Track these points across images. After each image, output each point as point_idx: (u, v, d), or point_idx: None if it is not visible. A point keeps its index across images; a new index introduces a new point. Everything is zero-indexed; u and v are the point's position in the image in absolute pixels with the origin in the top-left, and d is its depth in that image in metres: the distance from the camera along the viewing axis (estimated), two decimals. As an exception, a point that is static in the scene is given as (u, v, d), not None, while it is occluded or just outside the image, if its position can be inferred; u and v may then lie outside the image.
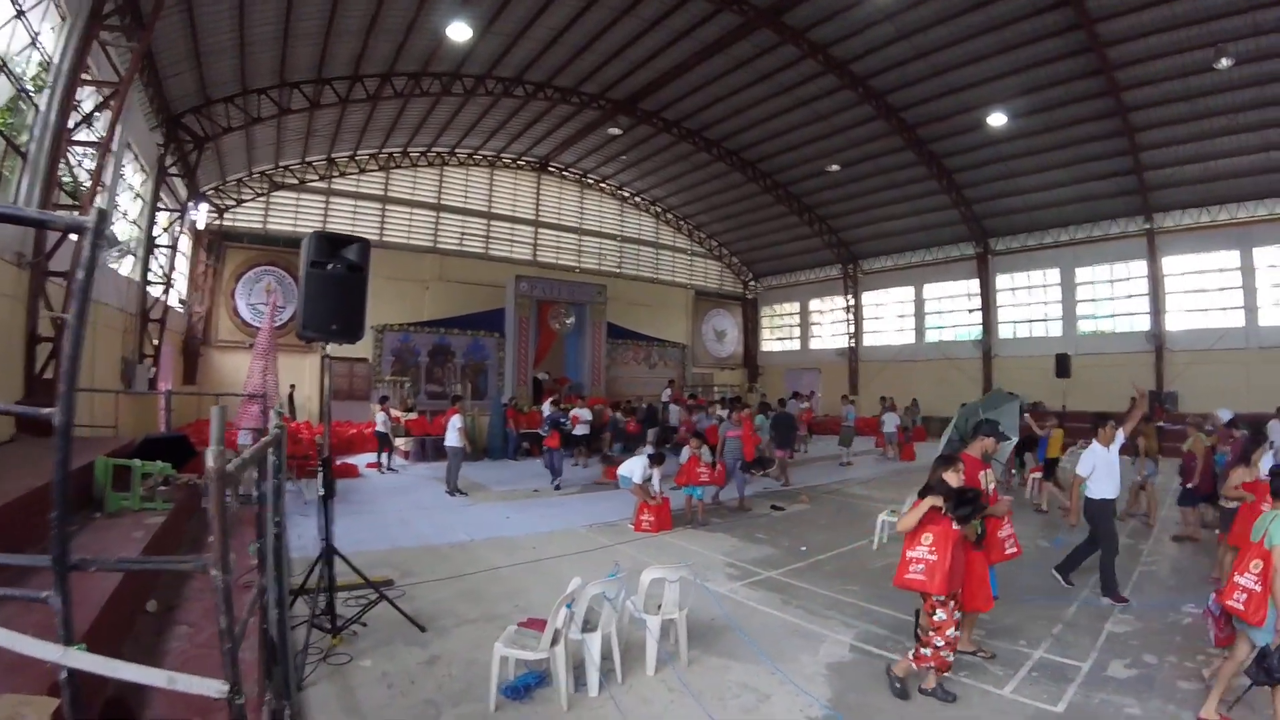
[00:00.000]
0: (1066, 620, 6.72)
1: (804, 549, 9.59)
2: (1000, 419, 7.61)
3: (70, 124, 10.96)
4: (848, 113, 24.09)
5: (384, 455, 17.06)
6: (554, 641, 4.73)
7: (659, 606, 5.64)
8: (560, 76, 23.15)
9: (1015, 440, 11.97)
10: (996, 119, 21.95)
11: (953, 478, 5.08)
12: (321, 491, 5.90)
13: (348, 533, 9.71)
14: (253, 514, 3.38)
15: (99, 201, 13.04)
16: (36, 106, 10.75)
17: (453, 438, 13.85)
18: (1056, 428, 13.31)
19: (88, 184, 11.70)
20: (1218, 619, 4.99)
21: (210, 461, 1.88)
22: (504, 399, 21.81)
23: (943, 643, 4.88)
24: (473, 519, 11.26)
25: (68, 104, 10.90)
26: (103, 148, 11.58)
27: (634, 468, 10.88)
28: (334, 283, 5.74)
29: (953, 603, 4.95)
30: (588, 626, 5.11)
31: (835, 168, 27.70)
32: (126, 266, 16.66)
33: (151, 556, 4.62)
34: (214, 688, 1.86)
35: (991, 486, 5.74)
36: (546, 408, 18.07)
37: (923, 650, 4.95)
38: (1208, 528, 10.20)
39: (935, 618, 4.91)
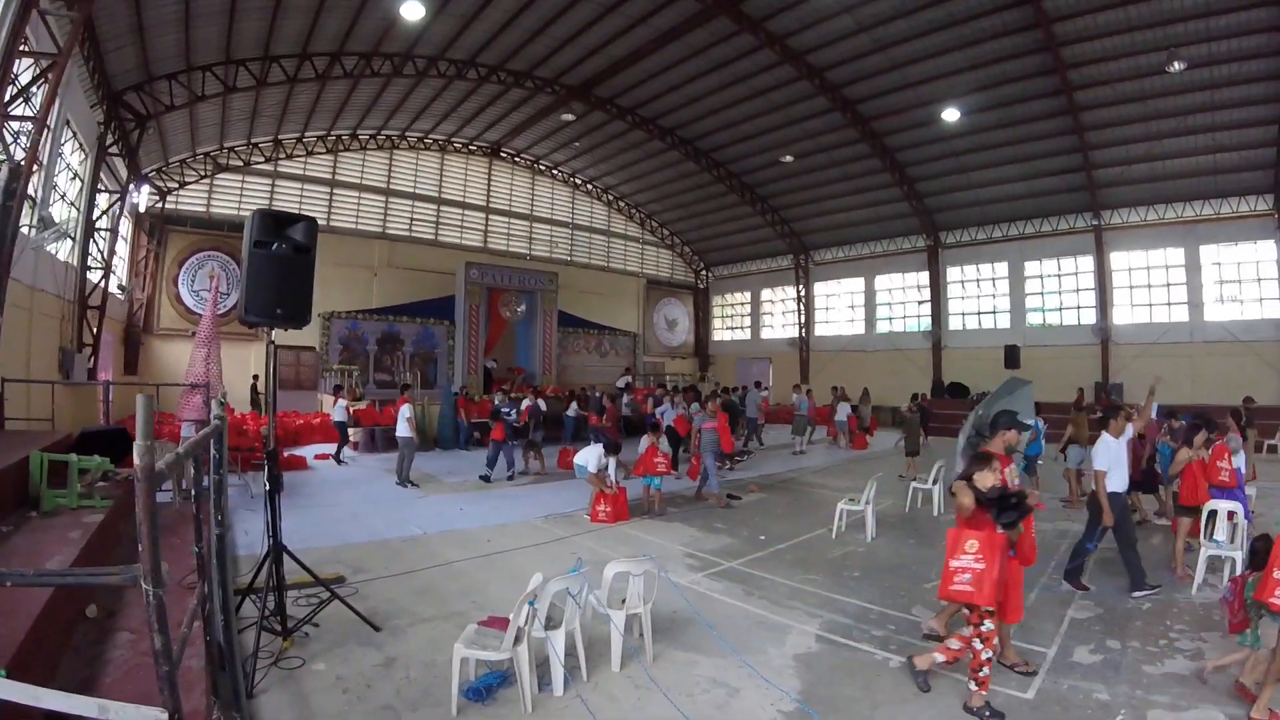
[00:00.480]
0: (1027, 606, 6.68)
1: (763, 538, 9.51)
2: (1016, 407, 7.37)
3: (6, 97, 10.37)
4: (804, 104, 24.10)
5: (340, 446, 16.59)
6: (516, 640, 4.50)
7: (623, 601, 5.46)
8: (514, 60, 22.74)
9: (1034, 426, 12.11)
10: (951, 114, 22.15)
11: (989, 477, 4.83)
12: (268, 485, 5.58)
13: (295, 529, 9.35)
14: (200, 510, 3.13)
15: (35, 181, 12.49)
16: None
17: (403, 428, 13.51)
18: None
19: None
20: (1231, 604, 4.99)
21: (137, 458, 1.65)
22: (455, 388, 21.42)
23: (990, 655, 4.63)
24: (425, 512, 10.94)
25: (4, 76, 10.26)
26: (39, 122, 10.95)
27: (589, 457, 10.64)
28: (279, 264, 5.41)
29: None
30: (551, 624, 4.91)
31: (789, 159, 27.73)
32: (64, 250, 15.89)
33: (74, 570, 4.22)
34: (151, 717, 1.63)
35: (1016, 481, 5.45)
36: (497, 398, 17.77)
37: (981, 673, 4.59)
38: (1160, 515, 10.45)
39: (984, 628, 4.61)
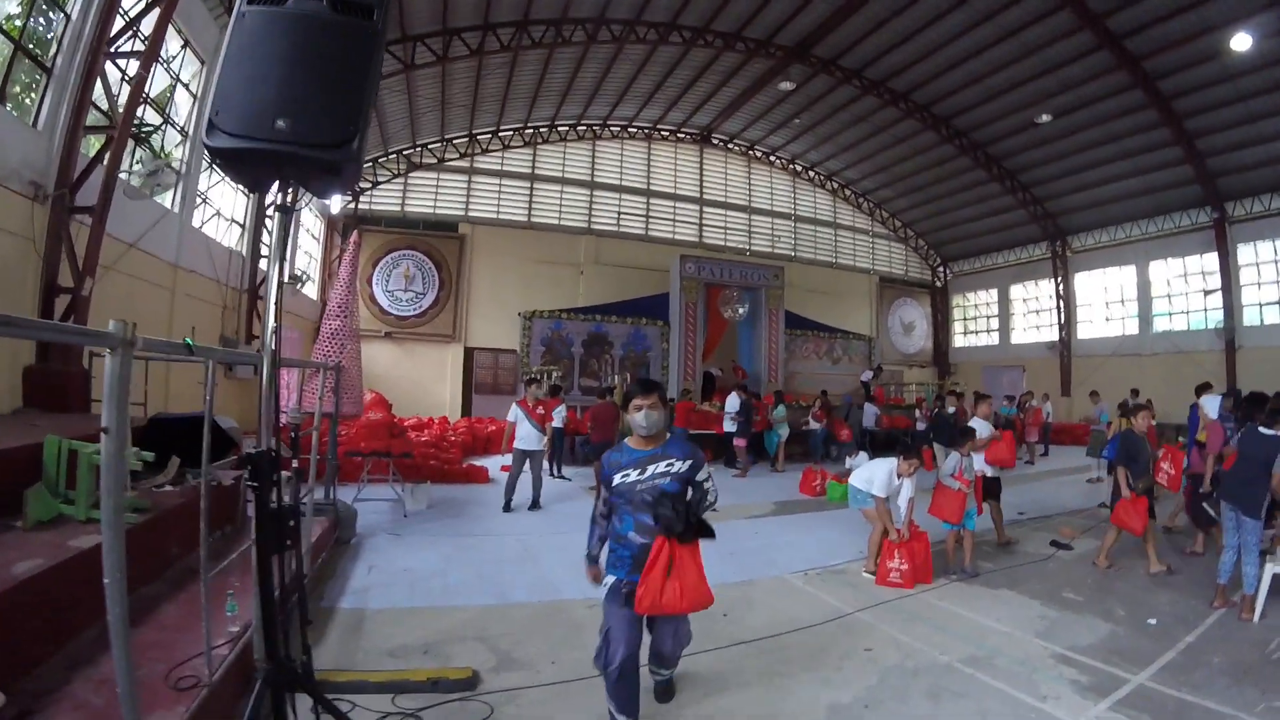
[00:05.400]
0: None
1: (1153, 622, 5.69)
2: None
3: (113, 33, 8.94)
4: (1062, 44, 19.12)
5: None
6: None
7: None
8: (719, 19, 19.81)
9: None
10: (1241, 41, 16.70)
11: None
12: (255, 533, 2.74)
13: (438, 572, 6.55)
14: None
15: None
16: (67, 14, 8.83)
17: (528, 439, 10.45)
18: None
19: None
20: None
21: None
22: (672, 395, 18.89)
23: None
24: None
25: (110, 10, 8.80)
26: (147, 56, 9.36)
27: (876, 475, 6.90)
28: (298, 34, 2.46)
29: None
30: None
31: (1046, 117, 22.61)
32: (231, 238, 14.63)
33: None
34: None
35: None
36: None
37: None
38: None
39: None
